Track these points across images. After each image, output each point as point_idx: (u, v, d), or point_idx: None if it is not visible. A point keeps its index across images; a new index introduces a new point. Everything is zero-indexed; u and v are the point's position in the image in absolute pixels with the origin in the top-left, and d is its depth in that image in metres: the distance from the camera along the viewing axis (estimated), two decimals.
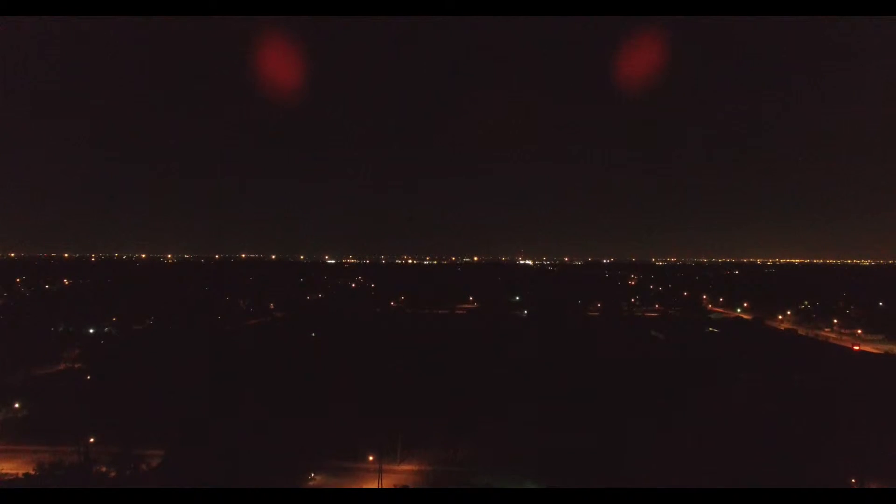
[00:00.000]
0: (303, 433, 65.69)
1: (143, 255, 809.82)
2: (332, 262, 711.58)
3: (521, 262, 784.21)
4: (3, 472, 57.19)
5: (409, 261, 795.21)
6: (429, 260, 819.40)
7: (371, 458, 59.35)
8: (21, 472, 55.17)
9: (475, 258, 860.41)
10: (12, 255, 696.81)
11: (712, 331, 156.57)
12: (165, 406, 74.83)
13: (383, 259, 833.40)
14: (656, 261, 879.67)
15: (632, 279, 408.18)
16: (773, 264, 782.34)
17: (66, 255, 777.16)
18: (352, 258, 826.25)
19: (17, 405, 76.86)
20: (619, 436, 66.66)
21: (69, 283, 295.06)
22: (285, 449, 59.34)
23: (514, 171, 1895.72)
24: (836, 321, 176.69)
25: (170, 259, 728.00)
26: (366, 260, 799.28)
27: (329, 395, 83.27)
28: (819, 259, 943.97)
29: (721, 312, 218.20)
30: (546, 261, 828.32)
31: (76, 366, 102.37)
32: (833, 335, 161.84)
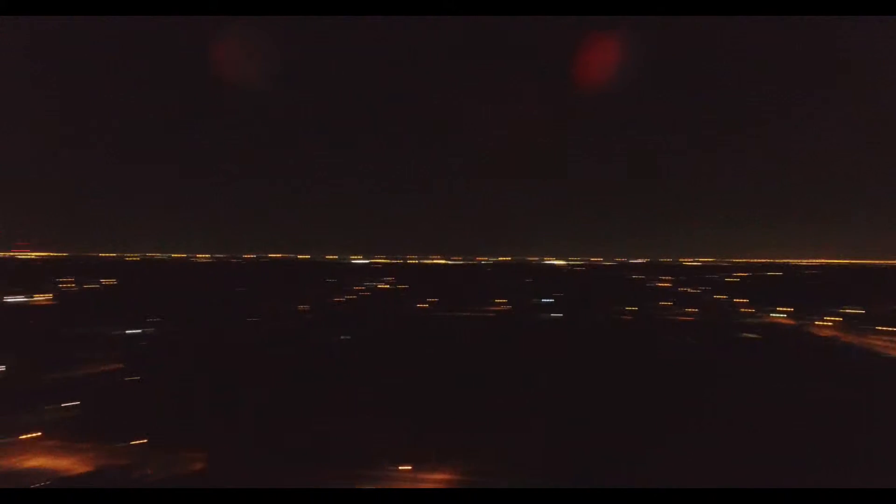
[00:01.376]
0: (328, 439, 66.56)
1: (175, 255, 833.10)
2: (362, 262, 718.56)
3: (550, 262, 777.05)
4: (62, 468, 59.52)
5: (439, 261, 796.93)
6: (456, 260, 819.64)
7: (391, 468, 59.27)
8: (77, 470, 57.92)
9: (501, 258, 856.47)
10: (54, 254, 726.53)
11: (749, 336, 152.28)
12: (207, 407, 77.38)
13: (412, 260, 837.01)
14: (689, 262, 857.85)
15: (664, 280, 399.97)
16: (816, 265, 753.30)
17: (100, 254, 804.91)
18: (382, 258, 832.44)
19: (65, 404, 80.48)
20: (652, 442, 65.95)
21: (109, 283, 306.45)
22: (320, 455, 60.41)
23: (544, 171, 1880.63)
24: (882, 328, 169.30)
25: (201, 259, 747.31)
26: (398, 260, 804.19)
27: (356, 400, 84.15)
28: (866, 260, 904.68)
29: (759, 316, 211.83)
30: (575, 261, 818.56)
31: (121, 366, 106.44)
32: (880, 342, 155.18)
